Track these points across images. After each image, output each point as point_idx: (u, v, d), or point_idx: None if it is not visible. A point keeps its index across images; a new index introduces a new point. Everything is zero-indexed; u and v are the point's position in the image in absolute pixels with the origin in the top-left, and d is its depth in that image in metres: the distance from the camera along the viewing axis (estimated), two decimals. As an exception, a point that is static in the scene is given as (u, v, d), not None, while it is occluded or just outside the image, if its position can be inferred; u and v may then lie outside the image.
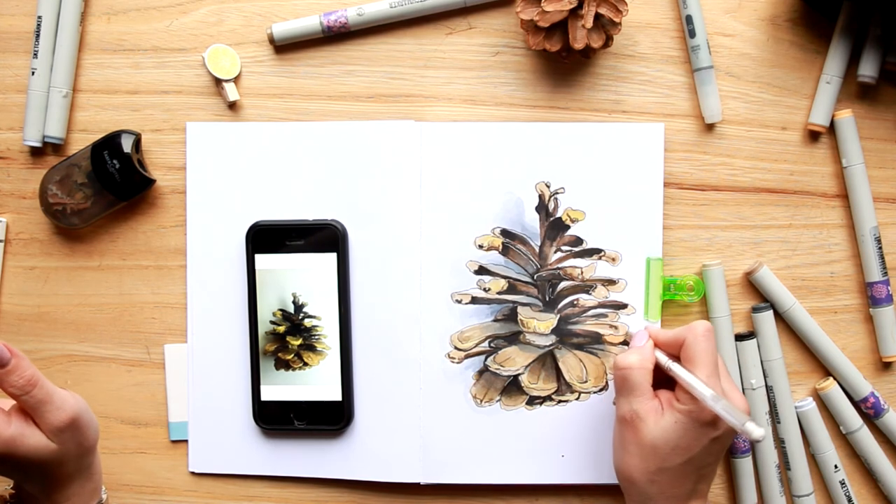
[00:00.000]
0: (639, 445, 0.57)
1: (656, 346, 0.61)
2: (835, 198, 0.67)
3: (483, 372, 0.66)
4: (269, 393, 0.66)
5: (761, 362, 0.66)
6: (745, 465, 0.67)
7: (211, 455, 0.68)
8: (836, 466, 0.67)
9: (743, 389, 0.66)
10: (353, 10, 0.65)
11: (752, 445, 0.67)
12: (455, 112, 0.66)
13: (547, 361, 0.66)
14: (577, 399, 0.66)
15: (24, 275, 0.68)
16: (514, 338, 0.66)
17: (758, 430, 0.50)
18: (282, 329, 0.66)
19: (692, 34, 0.65)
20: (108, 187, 0.65)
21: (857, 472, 0.68)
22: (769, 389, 0.66)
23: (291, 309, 0.66)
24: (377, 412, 0.66)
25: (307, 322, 0.66)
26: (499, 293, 0.66)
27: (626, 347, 0.65)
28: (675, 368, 0.58)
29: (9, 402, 0.55)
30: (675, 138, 0.66)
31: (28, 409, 0.53)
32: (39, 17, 0.65)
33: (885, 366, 0.67)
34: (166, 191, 0.67)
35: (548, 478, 0.66)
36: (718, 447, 0.57)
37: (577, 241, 0.66)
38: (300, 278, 0.65)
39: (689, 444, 0.56)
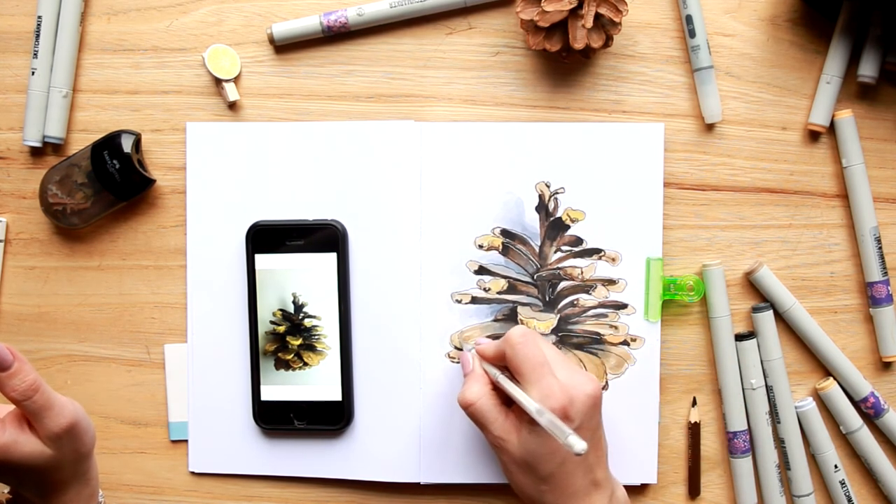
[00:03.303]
0: (516, 464, 0.58)
1: (487, 360, 0.61)
2: (835, 198, 0.67)
3: (483, 372, 0.66)
4: (269, 393, 0.66)
5: (761, 362, 0.66)
6: (745, 465, 0.67)
7: (211, 455, 0.68)
8: (836, 466, 0.67)
9: (743, 389, 0.66)
10: (353, 10, 0.65)
11: (753, 445, 0.67)
12: (455, 112, 0.66)
13: (547, 361, 0.66)
14: (577, 399, 0.66)
15: (24, 275, 0.68)
16: (514, 338, 0.66)
17: (579, 443, 0.50)
18: (282, 329, 0.66)
19: (692, 34, 0.65)
20: (108, 187, 0.65)
21: (857, 472, 0.68)
22: (769, 389, 0.66)
23: (291, 309, 0.66)
24: (377, 412, 0.66)
25: (307, 322, 0.66)
26: (499, 293, 0.66)
27: (626, 348, 0.65)
28: (504, 383, 0.57)
29: (3, 409, 0.55)
30: (675, 138, 0.66)
31: (28, 415, 0.52)
32: (39, 17, 0.65)
33: (885, 366, 0.67)
34: (166, 191, 0.67)
35: (548, 478, 0.66)
36: (587, 435, 0.56)
37: (577, 241, 0.66)
38: (300, 278, 0.65)
39: (554, 448, 0.56)
